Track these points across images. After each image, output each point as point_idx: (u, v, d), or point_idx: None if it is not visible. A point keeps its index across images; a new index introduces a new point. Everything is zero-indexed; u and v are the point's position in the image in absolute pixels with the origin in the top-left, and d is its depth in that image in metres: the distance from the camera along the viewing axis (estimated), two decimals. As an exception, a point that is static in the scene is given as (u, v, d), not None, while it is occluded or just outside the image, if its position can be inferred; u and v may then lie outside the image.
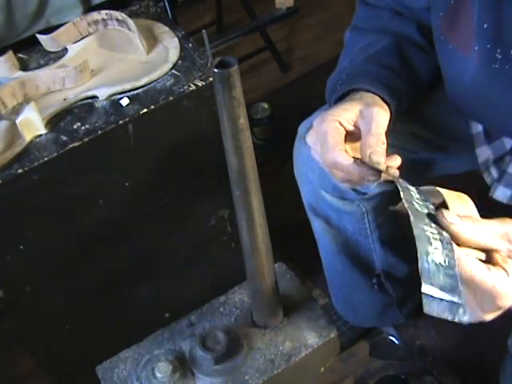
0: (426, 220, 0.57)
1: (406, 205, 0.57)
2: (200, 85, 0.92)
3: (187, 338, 0.86)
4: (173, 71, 0.94)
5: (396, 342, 1.34)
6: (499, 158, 0.87)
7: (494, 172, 0.87)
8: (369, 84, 0.77)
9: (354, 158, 0.70)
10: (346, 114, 0.72)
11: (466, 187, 0.71)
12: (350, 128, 0.72)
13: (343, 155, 0.69)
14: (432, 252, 0.55)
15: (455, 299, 0.53)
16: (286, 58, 2.10)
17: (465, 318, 0.55)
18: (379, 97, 0.76)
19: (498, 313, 0.59)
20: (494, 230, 0.58)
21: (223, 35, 1.76)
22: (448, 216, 0.57)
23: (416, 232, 0.55)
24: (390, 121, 0.75)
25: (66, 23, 0.98)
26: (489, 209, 0.67)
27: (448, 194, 0.63)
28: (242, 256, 0.76)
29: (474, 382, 1.26)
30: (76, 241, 0.99)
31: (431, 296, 0.53)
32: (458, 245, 0.58)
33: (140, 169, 0.97)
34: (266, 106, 1.81)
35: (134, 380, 0.83)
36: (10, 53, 0.95)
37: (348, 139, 0.73)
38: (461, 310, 0.54)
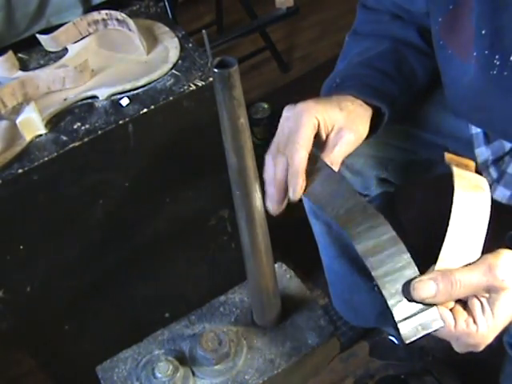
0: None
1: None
2: (200, 85, 0.92)
3: (187, 338, 0.86)
4: (173, 71, 0.94)
5: (396, 342, 1.34)
6: (498, 159, 0.87)
7: (494, 172, 0.87)
8: (357, 90, 0.76)
9: None
10: (326, 115, 0.70)
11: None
12: (322, 135, 0.71)
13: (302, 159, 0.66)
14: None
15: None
16: (286, 58, 2.10)
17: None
18: (366, 103, 0.75)
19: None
20: (470, 279, 0.59)
21: (223, 35, 1.76)
22: (422, 289, 0.60)
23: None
24: (369, 135, 0.74)
25: (66, 23, 0.98)
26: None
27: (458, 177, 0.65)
28: (242, 256, 0.76)
29: (474, 382, 1.26)
30: (76, 241, 0.99)
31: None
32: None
33: (140, 169, 0.97)
34: (265, 106, 1.81)
35: (134, 380, 0.83)
36: (10, 53, 0.95)
37: None
38: None
